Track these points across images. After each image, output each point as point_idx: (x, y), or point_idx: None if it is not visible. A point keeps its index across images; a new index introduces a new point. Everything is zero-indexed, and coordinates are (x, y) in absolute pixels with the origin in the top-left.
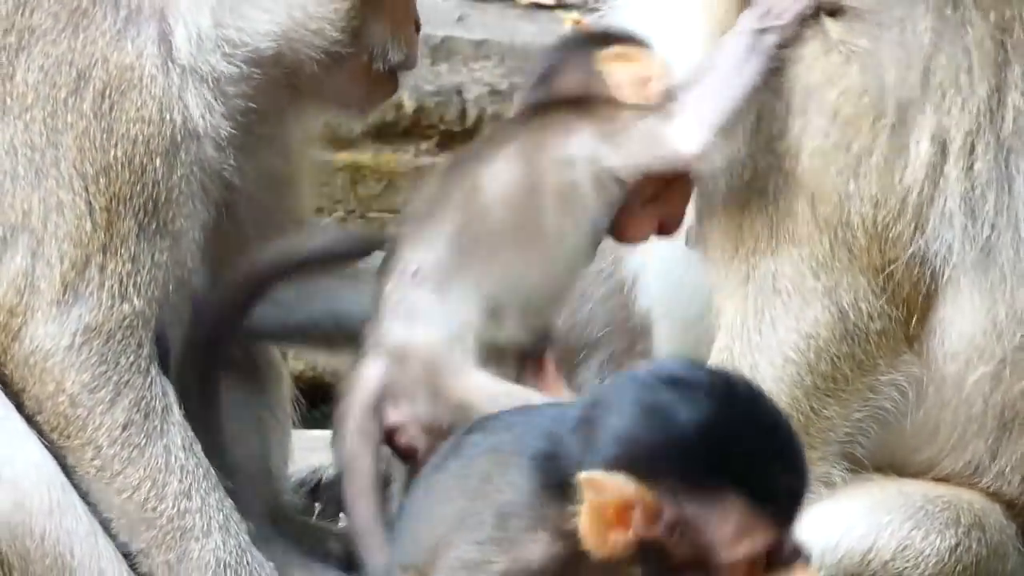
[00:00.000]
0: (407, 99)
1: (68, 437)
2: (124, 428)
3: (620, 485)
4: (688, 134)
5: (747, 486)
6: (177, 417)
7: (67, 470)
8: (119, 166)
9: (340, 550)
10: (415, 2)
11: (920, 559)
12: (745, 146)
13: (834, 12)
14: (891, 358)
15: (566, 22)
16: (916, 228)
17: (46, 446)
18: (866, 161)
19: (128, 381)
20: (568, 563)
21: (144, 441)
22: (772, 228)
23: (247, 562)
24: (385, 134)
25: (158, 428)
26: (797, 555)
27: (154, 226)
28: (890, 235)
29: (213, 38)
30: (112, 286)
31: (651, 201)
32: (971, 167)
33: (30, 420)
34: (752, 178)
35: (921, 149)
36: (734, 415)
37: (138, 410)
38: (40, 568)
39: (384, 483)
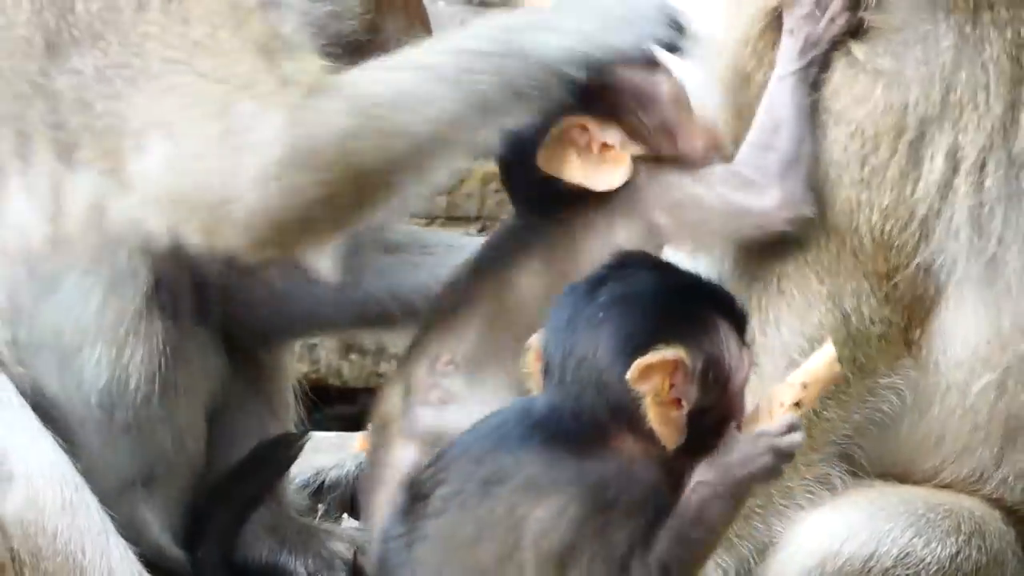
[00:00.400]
0: None
1: None
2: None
3: (661, 354)
4: (789, 203)
5: (726, 313)
6: None
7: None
8: (208, 39)
9: (342, 551)
10: (427, 13)
11: (921, 567)
12: None
13: (858, 31)
14: (890, 362)
15: None
16: (922, 239)
17: (61, 447)
18: (881, 174)
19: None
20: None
21: None
22: None
23: None
24: None
25: None
26: None
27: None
28: (896, 244)
29: None
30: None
31: None
32: (981, 183)
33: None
34: None
35: (935, 164)
36: (670, 269)
37: None
38: (51, 565)
39: None
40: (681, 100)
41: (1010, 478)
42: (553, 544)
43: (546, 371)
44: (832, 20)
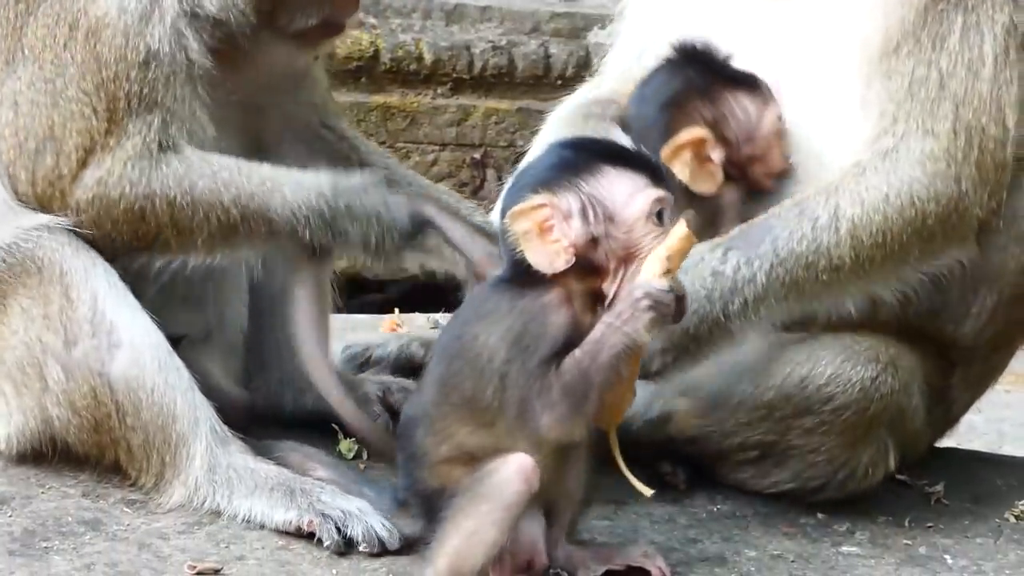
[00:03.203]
0: (427, 52)
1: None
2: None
3: (531, 200)
4: None
5: (614, 159)
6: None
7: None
8: (110, 81)
9: (374, 390)
10: None
11: (848, 386)
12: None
13: None
14: (954, 237)
15: None
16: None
17: (154, 320)
18: (1009, 88)
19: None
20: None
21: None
22: (917, 117)
23: None
24: (410, 80)
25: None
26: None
27: (143, 106)
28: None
29: None
30: (114, 150)
31: None
32: None
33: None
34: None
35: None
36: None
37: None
38: (148, 415)
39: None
40: (778, 133)
41: (972, 316)
42: (500, 359)
43: None
44: None
